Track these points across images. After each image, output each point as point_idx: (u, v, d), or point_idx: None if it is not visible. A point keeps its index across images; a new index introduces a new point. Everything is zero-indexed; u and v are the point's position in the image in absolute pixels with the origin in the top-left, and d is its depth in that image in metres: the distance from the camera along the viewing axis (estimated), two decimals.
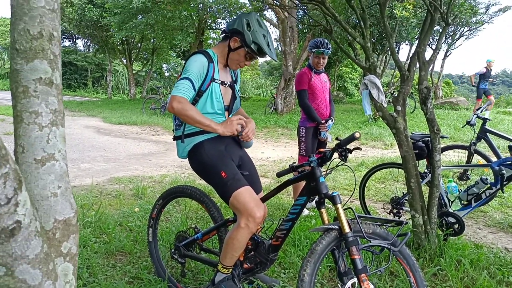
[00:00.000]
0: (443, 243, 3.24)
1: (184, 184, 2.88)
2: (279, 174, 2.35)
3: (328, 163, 2.27)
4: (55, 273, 1.17)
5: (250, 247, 2.45)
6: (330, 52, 4.16)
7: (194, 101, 2.41)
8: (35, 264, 1.09)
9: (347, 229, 2.03)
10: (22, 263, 1.06)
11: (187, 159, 2.54)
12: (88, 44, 35.44)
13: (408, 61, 3.34)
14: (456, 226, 3.37)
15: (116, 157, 7.78)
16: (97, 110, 17.32)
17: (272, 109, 15.32)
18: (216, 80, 2.41)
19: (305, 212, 4.39)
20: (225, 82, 2.47)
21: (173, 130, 2.58)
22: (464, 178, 4.60)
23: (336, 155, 2.23)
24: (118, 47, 23.85)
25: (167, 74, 33.51)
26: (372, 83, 3.29)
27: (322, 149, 2.25)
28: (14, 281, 1.06)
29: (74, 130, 11.06)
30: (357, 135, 2.05)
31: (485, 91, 12.85)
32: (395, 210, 3.70)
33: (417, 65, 3.26)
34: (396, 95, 3.31)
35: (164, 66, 32.32)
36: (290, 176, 2.54)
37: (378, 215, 4.20)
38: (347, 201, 2.37)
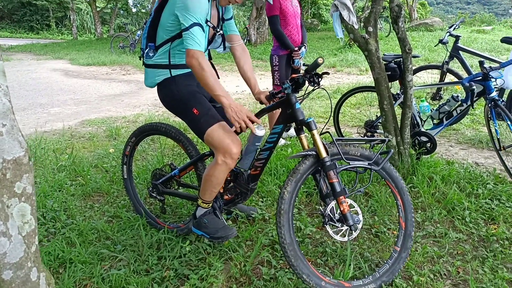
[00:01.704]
0: (416, 162, 3.31)
1: (158, 121, 2.79)
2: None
3: (304, 88, 2.22)
4: (4, 213, 1.12)
5: (229, 178, 2.45)
6: None
7: (178, 36, 2.20)
8: None
9: (323, 154, 2.02)
10: None
11: (157, 92, 2.44)
12: None
13: None
14: (428, 145, 3.43)
15: (87, 99, 7.55)
16: (63, 52, 16.58)
17: (245, 40, 14.91)
18: (208, 23, 2.18)
19: (281, 141, 4.39)
20: (214, 26, 2.26)
21: (142, 56, 2.40)
22: (437, 98, 4.63)
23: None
24: None
25: (134, 10, 31.96)
26: (342, 4, 3.16)
27: (294, 75, 2.18)
28: None
29: (41, 74, 10.61)
30: (320, 60, 1.99)
31: None
32: (369, 134, 3.73)
33: None
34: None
35: (130, 1, 30.68)
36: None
37: None
38: (325, 125, 2.35)
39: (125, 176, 2.92)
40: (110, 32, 23.95)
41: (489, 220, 2.70)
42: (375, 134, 3.71)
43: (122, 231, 2.69)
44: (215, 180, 2.26)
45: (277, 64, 4.12)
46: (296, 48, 4.09)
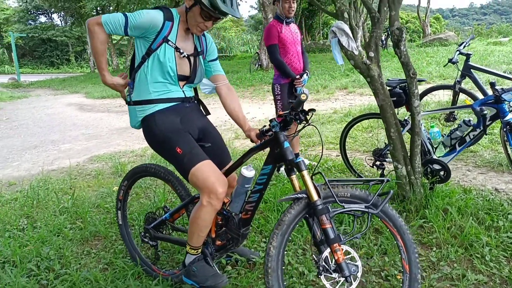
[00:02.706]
0: (429, 192, 3.09)
1: (148, 163, 2.68)
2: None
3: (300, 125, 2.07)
4: None
5: (220, 222, 2.30)
6: None
7: (143, 60, 2.17)
8: None
9: (315, 197, 1.86)
10: None
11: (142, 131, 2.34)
12: (64, 18, 34.21)
13: (378, 2, 3.06)
14: (441, 173, 3.21)
15: (98, 133, 7.57)
16: (80, 85, 16.93)
17: (257, 65, 14.95)
18: (169, 42, 2.14)
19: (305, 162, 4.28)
20: (181, 51, 2.19)
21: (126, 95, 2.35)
22: (451, 119, 4.41)
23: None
24: None
25: None
26: (340, 30, 3.02)
27: (281, 112, 2.04)
28: None
29: (56, 110, 10.78)
30: (303, 97, 1.86)
31: None
32: (378, 163, 3.53)
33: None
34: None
35: None
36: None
37: (361, 172, 4.05)
38: (317, 165, 2.19)
39: (120, 222, 2.80)
40: (126, 64, 24.44)
41: None
42: (385, 163, 3.51)
43: (116, 280, 2.55)
44: (202, 223, 2.12)
45: (279, 93, 4.00)
46: (298, 76, 3.96)
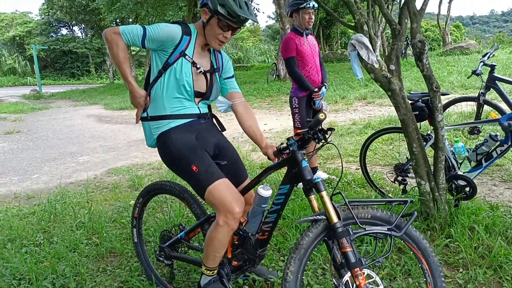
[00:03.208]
0: (454, 209, 2.97)
1: (163, 180, 2.64)
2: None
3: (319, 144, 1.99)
4: None
5: (236, 242, 2.24)
6: (317, 5, 3.78)
7: (159, 74, 2.14)
8: None
9: (334, 219, 1.78)
10: None
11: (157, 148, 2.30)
12: (85, 30, 34.94)
13: (398, 13, 2.98)
14: (467, 189, 3.08)
15: (116, 145, 7.61)
16: (99, 97, 17.16)
17: (274, 76, 14.93)
18: (186, 57, 2.12)
19: (323, 175, 4.22)
20: (198, 66, 2.16)
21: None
22: (475, 132, 4.26)
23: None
24: None
25: None
26: (360, 43, 2.95)
27: (299, 131, 1.98)
28: None
29: (75, 121, 10.92)
30: (321, 116, 1.80)
31: None
32: (399, 178, 3.42)
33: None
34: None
35: None
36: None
37: (381, 186, 3.93)
38: (337, 184, 2.10)
39: (135, 240, 2.77)
40: (145, 75, 24.76)
41: None
42: (407, 179, 3.39)
43: None
44: (218, 243, 2.07)
45: (297, 106, 3.93)
46: (316, 89, 3.88)
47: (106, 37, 2.04)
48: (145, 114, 2.25)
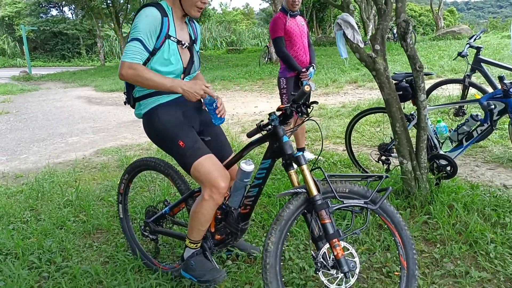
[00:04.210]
0: (435, 188, 3.04)
1: (148, 156, 2.67)
2: (249, 135, 2.12)
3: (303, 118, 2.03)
4: None
5: (219, 217, 2.28)
6: None
7: (147, 60, 2.12)
8: None
9: (314, 192, 1.83)
10: None
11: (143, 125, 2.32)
12: (75, 11, 34.37)
13: None
14: (448, 168, 3.14)
15: (105, 127, 7.59)
16: (89, 79, 17.02)
17: (266, 59, 14.86)
18: (172, 38, 2.11)
19: (309, 156, 4.29)
20: (183, 43, 2.17)
21: (124, 93, 2.36)
22: (460, 114, 4.32)
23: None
24: (104, 10, 22.91)
25: None
26: (345, 23, 2.97)
27: (281, 106, 2.01)
28: None
29: (65, 103, 10.85)
30: (306, 88, 1.82)
31: None
32: (383, 158, 3.47)
33: None
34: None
35: None
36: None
37: (366, 167, 3.99)
38: (316, 160, 2.14)
39: (121, 216, 2.80)
40: None
41: None
42: (390, 158, 3.45)
43: (116, 274, 2.54)
44: (202, 217, 2.11)
45: (285, 86, 3.96)
46: (304, 69, 3.91)
47: (127, 78, 2.00)
48: (135, 94, 2.25)
